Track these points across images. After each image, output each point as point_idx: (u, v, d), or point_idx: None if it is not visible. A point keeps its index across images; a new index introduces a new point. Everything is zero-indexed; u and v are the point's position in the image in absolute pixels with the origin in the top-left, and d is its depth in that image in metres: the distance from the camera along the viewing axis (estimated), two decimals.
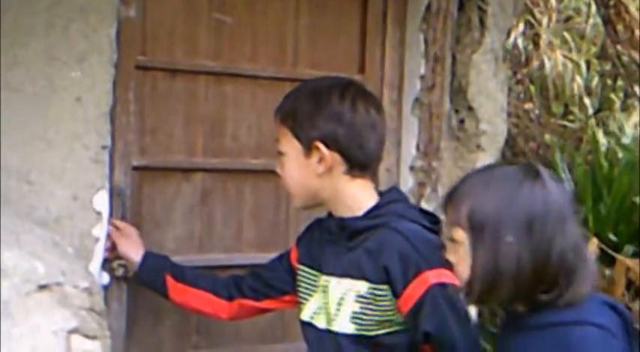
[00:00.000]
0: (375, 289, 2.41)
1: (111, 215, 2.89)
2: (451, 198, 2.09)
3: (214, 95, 3.15)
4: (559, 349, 1.97)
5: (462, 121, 3.60)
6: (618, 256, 3.95)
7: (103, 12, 2.83)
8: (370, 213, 2.48)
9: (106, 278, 2.91)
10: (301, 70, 3.26)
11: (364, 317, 2.43)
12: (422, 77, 3.49)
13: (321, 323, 2.53)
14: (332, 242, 2.53)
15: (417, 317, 2.38)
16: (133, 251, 2.87)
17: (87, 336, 2.69)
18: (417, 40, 3.48)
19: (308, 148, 2.47)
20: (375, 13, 3.41)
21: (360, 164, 2.48)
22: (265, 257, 2.89)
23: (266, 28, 3.23)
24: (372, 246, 2.43)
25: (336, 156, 2.46)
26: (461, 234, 2.04)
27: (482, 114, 3.59)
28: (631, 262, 3.87)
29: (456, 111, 3.59)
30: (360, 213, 2.48)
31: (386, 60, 3.42)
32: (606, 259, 4.22)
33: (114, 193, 2.92)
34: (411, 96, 3.48)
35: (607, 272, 4.07)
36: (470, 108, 3.58)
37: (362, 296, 2.43)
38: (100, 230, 2.85)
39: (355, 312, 2.44)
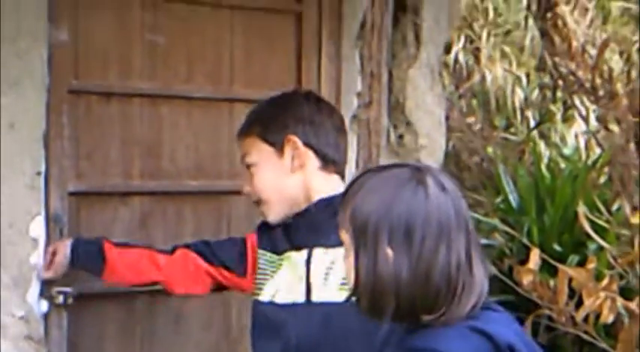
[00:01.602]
0: None
1: (48, 242, 2.85)
2: (342, 199, 1.89)
3: (150, 117, 3.14)
4: None
5: (400, 137, 3.60)
6: (560, 266, 3.95)
7: (35, 35, 2.81)
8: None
9: (44, 305, 2.87)
10: (237, 90, 3.25)
11: None
12: (359, 94, 3.50)
13: (291, 296, 2.43)
14: (307, 227, 2.46)
15: None
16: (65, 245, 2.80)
17: None
18: (352, 56, 3.49)
19: (280, 147, 2.46)
20: (311, 30, 3.41)
21: (334, 160, 2.48)
22: None
23: (201, 48, 3.22)
24: None
25: (309, 152, 2.45)
26: (346, 237, 1.84)
27: (420, 128, 3.61)
28: (573, 271, 3.87)
29: (395, 126, 3.60)
30: None
31: (322, 77, 3.43)
32: (550, 269, 4.23)
33: (50, 219, 2.88)
34: (348, 113, 3.48)
35: (551, 282, 4.07)
36: (408, 124, 3.59)
37: None
38: (37, 257, 2.81)
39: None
